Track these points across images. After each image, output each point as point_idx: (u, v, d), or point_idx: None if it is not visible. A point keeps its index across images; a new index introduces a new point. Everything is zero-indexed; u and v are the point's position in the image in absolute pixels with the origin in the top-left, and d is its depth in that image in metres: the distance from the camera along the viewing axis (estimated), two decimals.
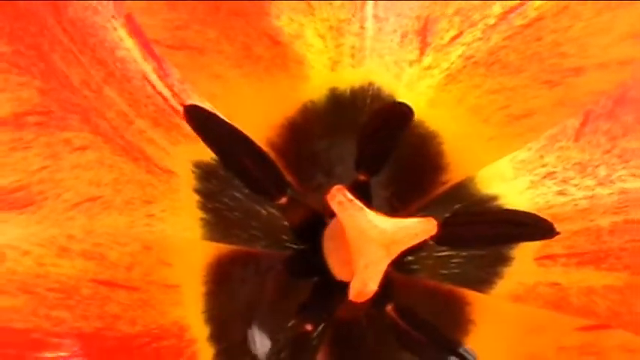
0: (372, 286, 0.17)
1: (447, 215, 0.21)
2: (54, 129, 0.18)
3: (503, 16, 0.20)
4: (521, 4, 0.19)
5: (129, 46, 0.19)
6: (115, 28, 0.19)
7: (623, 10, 0.20)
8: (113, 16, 0.19)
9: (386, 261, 0.17)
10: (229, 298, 0.22)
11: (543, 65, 0.20)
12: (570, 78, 0.20)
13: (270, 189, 0.21)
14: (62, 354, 0.18)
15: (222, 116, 0.20)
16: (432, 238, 0.18)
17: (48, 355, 0.18)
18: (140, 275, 0.20)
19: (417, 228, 0.17)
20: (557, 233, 0.21)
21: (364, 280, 0.17)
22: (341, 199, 0.16)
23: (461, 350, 0.20)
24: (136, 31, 0.19)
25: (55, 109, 0.18)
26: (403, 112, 0.20)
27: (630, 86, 0.20)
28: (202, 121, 0.20)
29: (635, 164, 0.20)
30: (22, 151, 0.18)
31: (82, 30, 0.18)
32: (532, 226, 0.21)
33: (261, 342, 0.20)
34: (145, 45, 0.19)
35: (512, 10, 0.19)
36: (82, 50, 0.18)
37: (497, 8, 0.20)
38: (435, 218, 0.19)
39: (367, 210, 0.17)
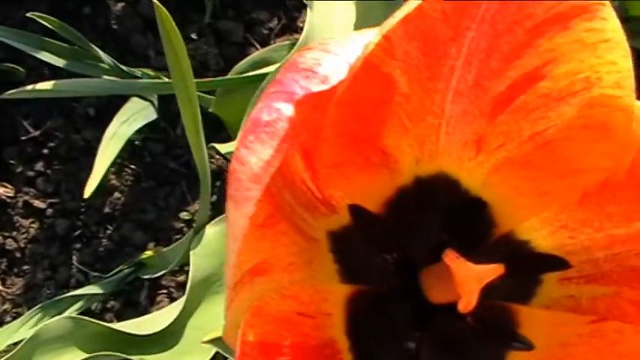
0: (473, 303, 0.26)
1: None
2: (275, 225, 0.27)
3: (531, 137, 0.28)
4: (542, 132, 0.28)
5: (299, 164, 0.28)
6: (294, 156, 0.27)
7: None
8: (295, 150, 0.27)
9: (479, 289, 0.26)
10: (361, 319, 0.30)
11: (556, 166, 0.28)
12: (574, 175, 0.28)
13: (386, 248, 0.30)
14: None
15: (361, 205, 0.29)
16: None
17: None
18: (315, 308, 0.29)
19: (495, 270, 0.26)
20: (571, 267, 0.30)
21: (469, 301, 0.26)
22: (453, 257, 0.26)
23: (520, 339, 0.29)
24: (306, 157, 0.27)
25: (273, 213, 0.27)
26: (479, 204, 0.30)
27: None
28: (352, 208, 0.29)
29: (617, 219, 0.29)
30: (264, 241, 0.26)
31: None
32: (556, 263, 0.30)
33: None
34: (309, 164, 0.28)
35: (537, 134, 0.28)
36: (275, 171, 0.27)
37: (526, 132, 0.28)
38: (493, 260, 0.28)
39: (467, 262, 0.26)
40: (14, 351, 0.53)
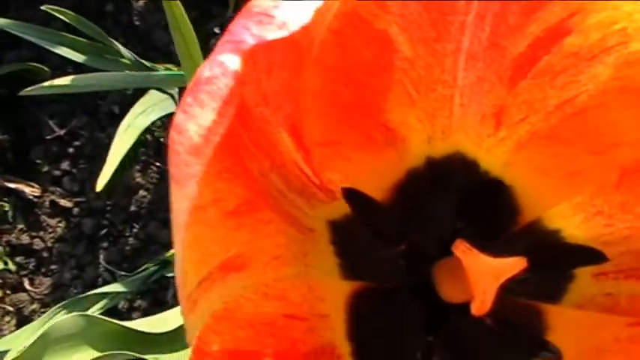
0: (489, 304, 0.21)
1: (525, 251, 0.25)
2: (254, 212, 0.22)
3: (559, 106, 0.23)
4: (572, 99, 0.23)
5: (287, 142, 0.24)
6: (280, 132, 0.23)
7: None
8: (280, 125, 0.23)
9: (496, 287, 0.21)
10: (365, 320, 0.26)
11: (589, 140, 0.23)
12: (610, 150, 0.23)
13: (394, 238, 0.26)
14: None
15: (361, 190, 0.25)
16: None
17: None
18: (307, 309, 0.24)
19: (515, 264, 0.21)
20: (608, 260, 0.25)
21: (484, 301, 0.21)
22: (464, 248, 0.21)
23: (547, 346, 0.25)
24: (294, 134, 0.23)
25: (252, 198, 0.22)
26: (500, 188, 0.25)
27: None
28: (349, 193, 0.24)
29: None
30: (239, 231, 0.22)
31: (258, 135, 0.22)
32: (590, 255, 0.25)
33: None
34: (300, 143, 0.23)
35: (565, 102, 0.23)
36: (257, 149, 0.23)
37: (553, 101, 0.23)
38: (517, 252, 0.23)
39: (481, 254, 0.21)
40: (24, 349, 0.50)
